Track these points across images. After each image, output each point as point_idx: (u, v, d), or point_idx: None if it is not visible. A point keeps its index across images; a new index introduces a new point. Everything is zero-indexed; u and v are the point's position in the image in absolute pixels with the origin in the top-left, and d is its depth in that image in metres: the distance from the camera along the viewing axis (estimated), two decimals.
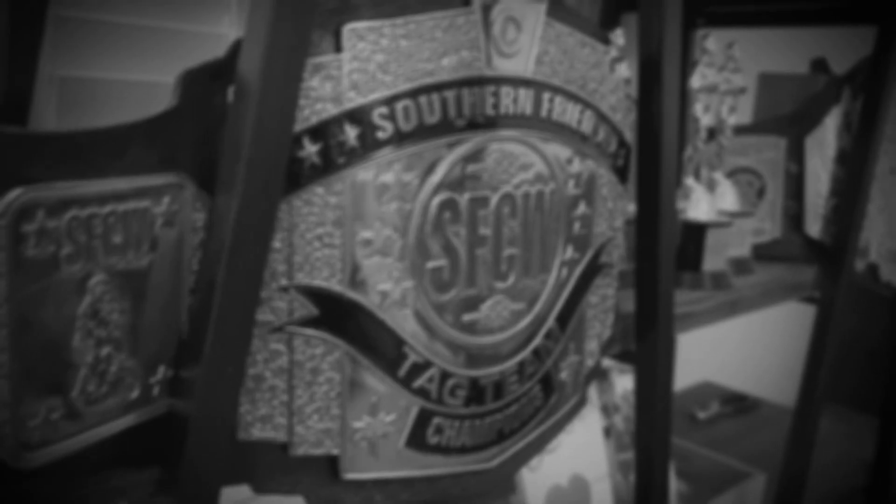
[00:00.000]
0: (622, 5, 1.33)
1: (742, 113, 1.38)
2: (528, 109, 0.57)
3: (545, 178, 0.59)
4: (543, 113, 0.58)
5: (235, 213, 0.43)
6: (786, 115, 1.11)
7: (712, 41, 0.91)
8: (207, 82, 0.45)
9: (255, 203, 0.44)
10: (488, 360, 0.59)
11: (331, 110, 0.48)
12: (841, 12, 1.22)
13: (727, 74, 1.01)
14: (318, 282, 0.50)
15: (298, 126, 0.47)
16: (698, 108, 0.92)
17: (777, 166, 1.10)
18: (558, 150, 0.60)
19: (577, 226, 0.64)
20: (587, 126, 0.62)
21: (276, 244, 0.48)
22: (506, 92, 0.55)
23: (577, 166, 0.62)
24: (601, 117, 0.64)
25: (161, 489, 0.46)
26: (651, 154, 0.70)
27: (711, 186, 1.05)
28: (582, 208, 0.64)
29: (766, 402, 1.69)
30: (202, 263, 0.46)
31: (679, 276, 0.94)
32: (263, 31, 0.43)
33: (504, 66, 0.55)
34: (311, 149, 0.48)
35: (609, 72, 0.64)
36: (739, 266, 1.03)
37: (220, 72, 0.45)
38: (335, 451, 0.53)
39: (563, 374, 0.66)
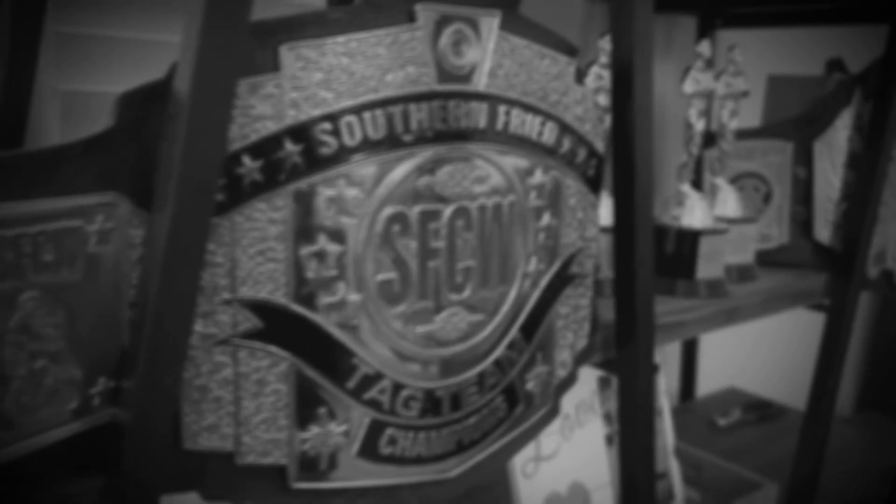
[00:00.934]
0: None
1: (752, 116, 1.35)
2: (482, 123, 0.57)
3: (503, 190, 0.60)
4: (499, 126, 0.58)
5: (167, 230, 0.44)
6: (794, 118, 1.08)
7: (706, 46, 0.90)
8: (145, 103, 0.46)
9: (186, 221, 0.45)
10: (444, 371, 0.59)
11: (271, 127, 0.49)
12: (857, 11, 1.19)
13: (727, 78, 0.99)
14: (263, 295, 0.51)
15: (238, 144, 0.48)
16: (692, 114, 0.91)
17: (784, 171, 1.08)
18: (517, 162, 0.60)
19: (541, 237, 0.64)
20: (549, 137, 0.62)
21: (219, 259, 0.49)
22: (456, 105, 0.55)
23: (539, 178, 0.62)
24: (565, 128, 0.63)
25: (105, 497, 0.48)
26: (624, 163, 0.70)
27: (713, 192, 1.03)
28: (546, 219, 0.64)
29: (791, 410, 1.65)
30: (141, 278, 0.47)
31: (673, 284, 0.93)
32: (193, 52, 0.44)
33: (454, 81, 0.55)
34: (251, 165, 0.49)
35: (574, 83, 0.64)
36: (742, 273, 1.02)
37: (159, 93, 0.46)
38: (283, 461, 0.54)
39: (530, 385, 0.66)
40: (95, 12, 0.92)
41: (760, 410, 1.66)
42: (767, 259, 1.09)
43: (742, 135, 1.07)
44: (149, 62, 0.78)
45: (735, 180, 1.09)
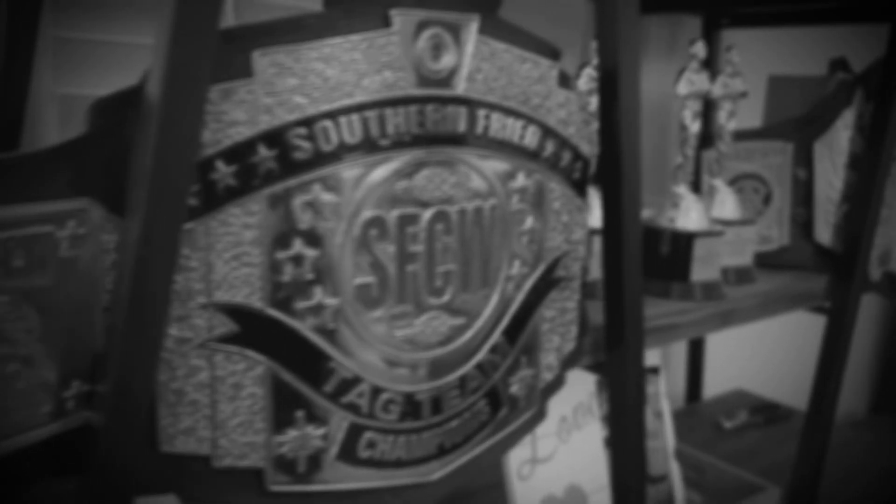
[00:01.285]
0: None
1: (753, 116, 1.34)
2: (462, 127, 0.57)
3: (484, 194, 0.60)
4: (479, 130, 0.58)
5: (138, 236, 0.45)
6: (794, 118, 1.07)
7: (700, 47, 0.89)
8: (119, 110, 0.47)
9: (157, 226, 0.45)
10: (425, 375, 0.59)
11: (245, 133, 0.49)
12: (859, 10, 1.18)
13: (725, 79, 0.99)
14: (238, 299, 0.51)
15: (211, 149, 0.48)
16: (686, 116, 0.90)
17: (784, 172, 1.07)
18: (498, 166, 0.60)
19: (524, 240, 0.63)
20: (531, 141, 0.62)
21: (193, 263, 0.49)
22: (434, 110, 0.56)
23: (521, 181, 0.62)
24: (548, 131, 0.63)
25: (80, 499, 0.49)
26: (611, 165, 0.70)
27: (711, 194, 1.03)
28: (530, 223, 0.64)
29: (799, 413, 1.64)
30: (115, 283, 0.48)
31: (668, 287, 0.92)
32: (163, 58, 0.44)
33: (432, 85, 0.55)
34: (225, 171, 0.49)
35: (557, 86, 0.63)
36: (740, 275, 1.01)
37: (132, 99, 0.47)
38: (261, 464, 0.54)
39: (514, 388, 0.66)
40: (93, 17, 0.93)
41: (767, 413, 1.65)
42: (768, 261, 1.08)
43: (741, 136, 1.06)
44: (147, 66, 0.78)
45: (734, 182, 1.08)
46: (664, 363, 1.27)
